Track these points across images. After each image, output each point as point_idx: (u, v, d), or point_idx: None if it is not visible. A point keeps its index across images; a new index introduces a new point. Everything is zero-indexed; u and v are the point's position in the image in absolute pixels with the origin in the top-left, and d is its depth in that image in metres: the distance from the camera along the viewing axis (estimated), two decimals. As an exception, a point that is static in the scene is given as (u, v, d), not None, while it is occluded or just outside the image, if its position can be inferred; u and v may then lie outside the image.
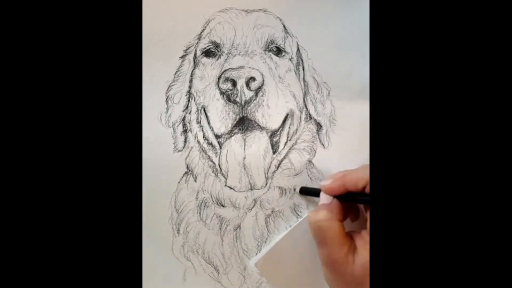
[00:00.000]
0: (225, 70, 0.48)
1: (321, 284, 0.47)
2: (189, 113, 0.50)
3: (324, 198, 0.45)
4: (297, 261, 0.50)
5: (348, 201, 0.45)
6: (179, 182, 0.50)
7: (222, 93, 0.48)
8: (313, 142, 0.51)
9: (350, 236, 0.43)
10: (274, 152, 0.50)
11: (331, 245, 0.41)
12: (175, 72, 0.50)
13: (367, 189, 0.42)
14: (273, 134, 0.50)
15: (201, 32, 0.50)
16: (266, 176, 0.50)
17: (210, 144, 0.50)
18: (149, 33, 0.48)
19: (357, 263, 0.40)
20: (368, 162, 0.40)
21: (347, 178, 0.43)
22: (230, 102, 0.48)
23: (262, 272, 0.50)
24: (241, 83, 0.48)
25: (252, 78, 0.48)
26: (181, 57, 0.50)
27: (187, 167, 0.50)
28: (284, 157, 0.51)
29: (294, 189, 0.51)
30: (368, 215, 0.43)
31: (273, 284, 0.50)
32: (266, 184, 0.50)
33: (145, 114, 0.49)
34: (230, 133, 0.49)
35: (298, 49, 0.51)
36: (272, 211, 0.50)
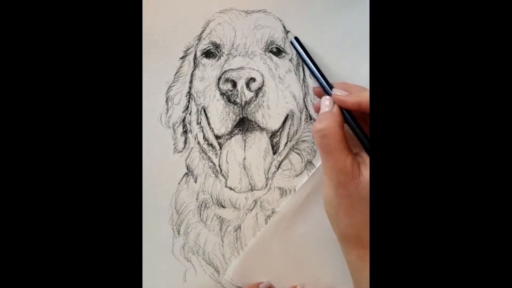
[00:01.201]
0: (225, 71, 0.49)
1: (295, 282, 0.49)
2: (189, 114, 0.50)
3: (327, 104, 0.44)
4: (269, 264, 0.50)
5: (351, 127, 0.44)
6: (179, 183, 0.50)
7: (222, 94, 0.48)
8: (313, 143, 0.51)
9: (352, 151, 0.42)
10: (274, 153, 0.50)
11: (336, 153, 0.40)
12: (175, 73, 0.50)
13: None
14: (273, 134, 0.50)
15: (201, 33, 0.50)
16: (266, 177, 0.50)
17: (210, 145, 0.50)
18: (149, 34, 0.48)
19: (364, 175, 0.40)
20: (367, 163, 0.40)
21: (364, 97, 0.42)
22: (230, 103, 0.48)
23: (236, 281, 0.50)
24: (241, 84, 0.48)
25: (252, 79, 0.48)
26: (181, 58, 0.50)
27: (187, 168, 0.50)
28: (284, 158, 0.51)
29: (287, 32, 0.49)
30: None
31: None
32: (266, 185, 0.50)
33: (145, 115, 0.49)
34: (230, 134, 0.49)
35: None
36: (273, 212, 0.50)
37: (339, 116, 0.43)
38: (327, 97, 0.44)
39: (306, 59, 0.48)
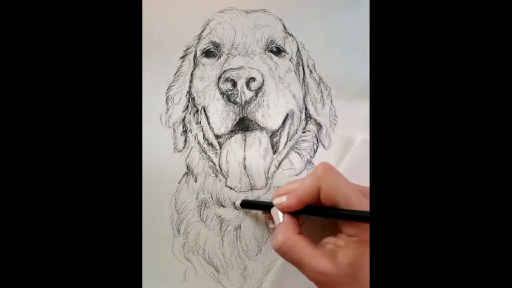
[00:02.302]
0: (225, 71, 0.49)
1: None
2: (189, 113, 0.50)
3: (276, 217, 0.43)
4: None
5: (309, 214, 0.42)
6: (179, 183, 0.50)
7: (222, 93, 0.48)
8: (313, 142, 0.51)
9: (319, 246, 0.40)
10: (274, 152, 0.50)
11: (306, 261, 0.39)
12: (175, 73, 0.50)
13: (322, 197, 0.40)
14: (273, 134, 0.50)
15: (201, 33, 0.50)
16: (266, 176, 0.50)
17: (210, 144, 0.50)
18: (149, 33, 0.48)
19: (344, 263, 0.38)
20: (368, 162, 0.40)
21: (302, 193, 0.41)
22: (230, 102, 0.48)
23: None
24: (241, 83, 0.48)
25: (252, 78, 0.48)
26: (181, 58, 0.50)
27: (187, 168, 0.50)
28: (284, 157, 0.51)
29: (234, 203, 0.49)
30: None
31: None
32: (266, 185, 0.50)
33: (145, 114, 0.49)
34: (230, 133, 0.49)
35: (298, 49, 0.51)
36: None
37: (291, 223, 0.42)
38: (272, 208, 0.43)
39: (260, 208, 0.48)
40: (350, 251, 0.39)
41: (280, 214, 0.43)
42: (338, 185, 0.40)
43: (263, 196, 0.50)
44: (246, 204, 0.49)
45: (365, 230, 0.38)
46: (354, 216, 0.39)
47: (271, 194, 0.50)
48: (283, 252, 0.40)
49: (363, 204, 0.39)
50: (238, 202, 0.49)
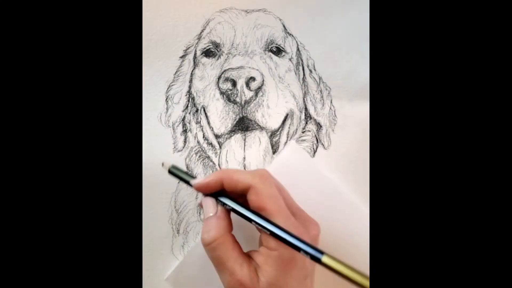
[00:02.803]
0: (225, 70, 0.49)
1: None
2: (189, 113, 0.50)
3: (209, 206, 0.41)
4: (206, 272, 0.47)
5: (234, 211, 0.40)
6: (179, 182, 0.50)
7: (222, 93, 0.48)
8: (313, 142, 0.51)
9: (246, 255, 0.39)
10: (274, 152, 0.50)
11: (231, 264, 0.37)
12: (175, 72, 0.50)
13: (250, 199, 0.38)
14: (273, 134, 0.50)
15: (201, 32, 0.50)
16: (266, 176, 0.50)
17: (210, 144, 0.50)
18: (149, 33, 0.48)
19: (262, 282, 0.37)
20: (368, 162, 0.40)
21: (225, 174, 0.39)
22: (230, 102, 0.48)
23: (175, 286, 0.48)
24: (241, 83, 0.48)
25: (252, 78, 0.48)
26: (181, 57, 0.50)
27: (187, 167, 0.50)
28: (284, 157, 0.51)
29: (162, 164, 0.44)
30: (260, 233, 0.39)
31: None
32: (266, 184, 0.50)
33: (145, 114, 0.49)
34: (230, 133, 0.49)
35: (298, 49, 0.51)
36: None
37: (226, 219, 0.40)
38: (207, 198, 0.41)
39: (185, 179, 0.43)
40: (269, 269, 0.37)
41: (214, 205, 0.40)
42: (273, 191, 0.39)
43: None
44: (175, 173, 0.44)
45: (286, 246, 0.37)
46: (276, 234, 0.37)
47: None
48: (212, 248, 0.38)
49: (290, 221, 0.38)
50: (167, 164, 0.44)
